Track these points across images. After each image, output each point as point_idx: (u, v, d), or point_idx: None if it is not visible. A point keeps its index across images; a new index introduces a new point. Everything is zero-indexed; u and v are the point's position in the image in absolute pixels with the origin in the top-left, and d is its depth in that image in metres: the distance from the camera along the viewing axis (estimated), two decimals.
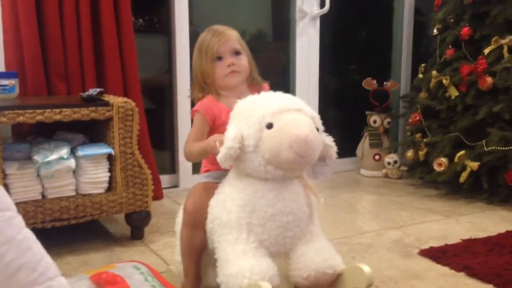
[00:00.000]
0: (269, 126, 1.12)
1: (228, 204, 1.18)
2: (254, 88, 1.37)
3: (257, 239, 1.16)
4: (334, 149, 1.23)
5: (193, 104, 1.36)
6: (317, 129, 1.16)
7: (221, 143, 1.14)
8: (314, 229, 1.25)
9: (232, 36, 1.33)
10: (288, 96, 1.21)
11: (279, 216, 1.17)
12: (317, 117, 1.19)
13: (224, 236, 1.17)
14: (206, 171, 1.37)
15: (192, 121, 1.36)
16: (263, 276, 1.09)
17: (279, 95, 1.21)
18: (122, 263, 1.16)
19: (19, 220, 0.61)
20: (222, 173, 1.31)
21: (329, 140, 1.23)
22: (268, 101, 1.17)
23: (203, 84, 1.33)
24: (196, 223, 1.26)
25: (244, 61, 1.33)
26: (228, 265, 1.14)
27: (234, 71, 1.31)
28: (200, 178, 1.37)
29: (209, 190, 1.28)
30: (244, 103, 1.21)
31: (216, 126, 1.30)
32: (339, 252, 1.26)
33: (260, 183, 1.17)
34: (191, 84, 1.39)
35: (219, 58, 1.31)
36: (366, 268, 1.17)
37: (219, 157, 1.13)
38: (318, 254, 1.20)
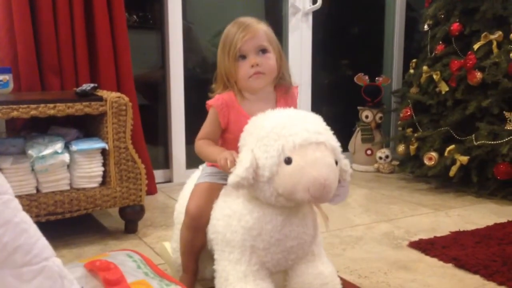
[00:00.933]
0: (288, 161, 1.05)
1: (234, 223, 1.15)
2: (282, 90, 1.27)
3: (259, 261, 1.15)
4: (348, 172, 1.17)
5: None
6: (336, 163, 1.09)
7: (233, 163, 1.09)
8: (316, 249, 1.24)
9: (259, 31, 1.20)
10: (309, 120, 1.11)
11: (284, 241, 1.14)
12: (338, 149, 1.11)
13: (225, 254, 1.16)
14: (212, 165, 1.29)
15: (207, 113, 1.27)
16: None
17: (300, 118, 1.11)
18: (115, 251, 1.18)
19: (16, 203, 0.64)
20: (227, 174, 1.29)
21: (345, 164, 1.16)
22: (290, 131, 1.07)
23: (226, 82, 1.23)
24: (198, 227, 1.24)
25: (271, 60, 1.21)
26: (227, 285, 1.13)
27: (259, 72, 1.19)
28: (203, 176, 1.30)
29: (214, 192, 1.23)
30: (260, 124, 1.12)
31: (230, 130, 1.23)
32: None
33: (269, 207, 1.13)
34: (214, 79, 1.29)
35: (243, 57, 1.19)
36: None
37: (229, 182, 1.08)
38: (316, 278, 1.19)
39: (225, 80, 1.23)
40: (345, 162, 1.16)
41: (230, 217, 1.16)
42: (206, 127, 1.25)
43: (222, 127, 1.24)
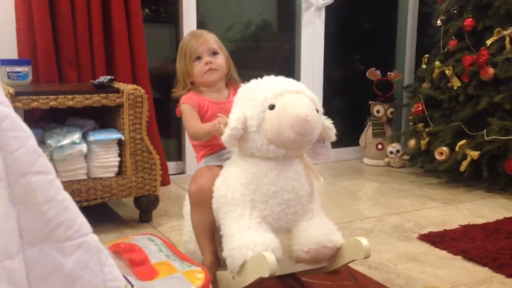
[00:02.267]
0: (271, 107, 1.19)
1: (233, 183, 1.25)
2: (232, 87, 1.48)
3: (260, 215, 1.23)
4: (333, 131, 1.31)
5: (175, 105, 1.48)
6: (317, 111, 1.23)
7: (225, 124, 1.22)
8: (315, 207, 1.32)
9: (210, 38, 1.45)
10: (289, 79, 1.29)
11: (281, 193, 1.24)
12: (316, 99, 1.27)
13: (229, 213, 1.24)
14: (202, 155, 1.46)
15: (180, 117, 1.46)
16: (266, 247, 1.15)
17: (281, 78, 1.29)
18: (137, 235, 1.22)
19: (58, 182, 0.68)
20: (220, 154, 1.40)
21: (328, 122, 1.30)
22: (270, 84, 1.25)
23: (184, 84, 1.46)
24: (202, 202, 1.32)
25: (221, 60, 1.44)
26: (232, 239, 1.20)
27: (212, 68, 1.42)
28: (201, 163, 1.44)
29: (212, 171, 1.35)
30: (248, 87, 1.29)
31: (201, 114, 1.41)
32: (335, 225, 1.32)
33: (263, 162, 1.24)
34: (175, 84, 1.51)
35: (198, 58, 1.42)
36: (364, 241, 1.24)
37: (223, 138, 1.20)
38: (318, 230, 1.27)
39: (183, 82, 1.46)
40: (328, 120, 1.31)
41: (229, 179, 1.27)
42: (190, 118, 1.40)
43: (199, 114, 1.41)
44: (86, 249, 0.69)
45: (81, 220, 0.71)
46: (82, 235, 0.69)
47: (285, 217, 1.26)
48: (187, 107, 1.42)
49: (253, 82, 1.30)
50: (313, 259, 1.27)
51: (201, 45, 1.42)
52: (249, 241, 1.16)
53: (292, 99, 1.20)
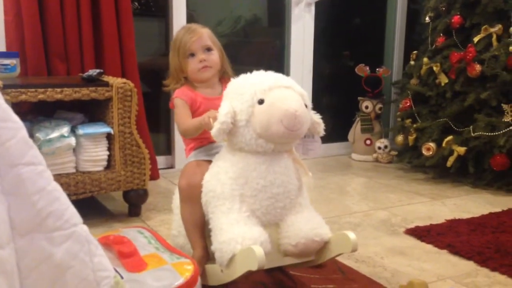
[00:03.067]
0: (261, 102, 1.20)
1: (222, 177, 1.26)
2: (226, 81, 1.46)
3: (249, 209, 1.24)
4: (321, 125, 1.32)
5: (167, 98, 1.47)
6: (306, 106, 1.24)
7: (215, 118, 1.22)
8: (303, 201, 1.33)
9: (204, 34, 1.44)
10: (278, 74, 1.30)
11: (269, 187, 1.25)
12: (305, 94, 1.28)
13: (218, 207, 1.25)
14: (191, 148, 1.46)
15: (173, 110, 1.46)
16: (255, 241, 1.16)
17: (270, 73, 1.30)
18: (126, 228, 1.23)
19: (49, 173, 0.69)
20: (209, 148, 1.41)
21: (317, 117, 1.31)
22: (260, 79, 1.25)
23: (178, 79, 1.46)
24: (192, 198, 1.33)
25: (215, 56, 1.44)
26: (221, 233, 1.21)
27: (206, 66, 1.42)
28: (190, 157, 1.44)
29: (201, 166, 1.36)
30: (237, 81, 1.30)
31: (193, 110, 1.41)
32: (323, 220, 1.34)
33: (252, 156, 1.25)
34: (167, 77, 1.51)
35: (192, 55, 1.42)
36: (351, 235, 1.25)
37: (213, 132, 1.21)
38: (306, 224, 1.28)
39: (176, 77, 1.46)
40: (317, 115, 1.32)
41: (218, 173, 1.27)
42: (181, 114, 1.41)
43: (190, 109, 1.41)
44: (76, 239, 0.69)
45: (71, 211, 0.71)
46: (72, 225, 0.69)
47: (273, 211, 1.27)
48: (180, 102, 1.42)
49: (243, 76, 1.31)
50: (301, 253, 1.29)
51: (195, 42, 1.41)
52: (238, 234, 1.17)
53: (281, 94, 1.21)
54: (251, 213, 1.24)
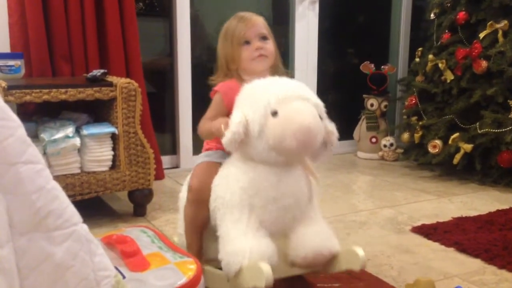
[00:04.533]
0: (274, 113, 1.14)
1: (232, 185, 1.22)
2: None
3: (258, 220, 1.20)
4: (335, 135, 1.25)
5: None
6: (320, 118, 1.18)
7: (227, 126, 1.17)
8: (314, 213, 1.29)
9: (259, 21, 1.35)
10: (294, 82, 1.23)
11: (280, 199, 1.20)
12: (321, 105, 1.21)
13: (227, 216, 1.22)
14: (208, 149, 1.40)
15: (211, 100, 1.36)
16: (262, 256, 1.14)
17: (285, 81, 1.23)
18: (129, 227, 1.23)
19: (47, 172, 0.68)
20: (222, 153, 1.35)
21: (331, 126, 1.25)
22: (274, 88, 1.18)
23: (227, 71, 1.35)
24: (200, 201, 1.30)
25: (271, 46, 1.34)
26: (229, 243, 1.18)
27: (262, 55, 1.31)
28: (201, 157, 1.40)
29: (213, 169, 1.31)
30: (251, 87, 1.23)
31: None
32: (335, 233, 1.30)
33: (264, 167, 1.20)
34: (214, 71, 1.40)
35: (247, 43, 1.32)
36: (360, 252, 1.22)
37: (224, 141, 1.17)
38: (316, 236, 1.25)
39: (225, 69, 1.35)
40: (331, 125, 1.25)
41: (228, 177, 1.24)
42: (210, 111, 1.34)
43: (227, 109, 1.30)
44: (76, 238, 0.69)
45: (71, 210, 0.71)
46: (72, 224, 0.69)
47: (283, 222, 1.24)
48: (217, 99, 1.32)
49: (256, 82, 1.23)
50: (309, 265, 1.26)
51: (251, 29, 1.31)
52: (246, 247, 1.15)
53: (296, 106, 1.15)
54: (260, 224, 1.21)
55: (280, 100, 1.15)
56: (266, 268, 1.09)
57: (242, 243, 1.17)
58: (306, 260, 1.24)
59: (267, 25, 1.36)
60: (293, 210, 1.24)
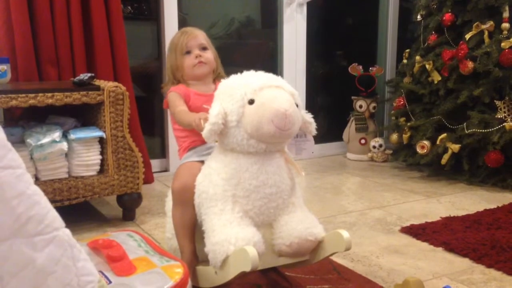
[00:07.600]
0: (251, 102, 1.20)
1: (214, 178, 1.25)
2: (219, 82, 1.46)
3: (242, 209, 1.23)
4: (313, 125, 1.32)
5: (161, 101, 1.53)
6: (297, 105, 1.23)
7: (206, 120, 1.22)
8: (297, 200, 1.32)
9: (199, 34, 1.51)
10: (268, 74, 1.29)
11: (262, 188, 1.24)
12: (296, 93, 1.27)
13: (210, 209, 1.24)
14: (185, 149, 1.47)
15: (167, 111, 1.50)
16: (248, 242, 1.16)
17: (260, 73, 1.29)
18: (116, 232, 1.22)
19: (28, 176, 0.68)
20: (202, 148, 1.41)
21: (308, 116, 1.31)
22: (250, 79, 1.25)
23: (173, 80, 1.50)
24: (185, 201, 1.32)
25: (210, 55, 1.49)
26: (214, 234, 1.20)
27: (201, 62, 1.47)
28: (184, 158, 1.44)
29: (194, 168, 1.35)
30: (228, 82, 1.29)
31: (188, 106, 1.43)
32: (316, 219, 1.33)
33: (244, 157, 1.24)
34: (165, 82, 1.55)
35: (188, 52, 1.47)
36: (345, 233, 1.25)
37: (204, 133, 1.21)
38: (300, 223, 1.27)
39: (172, 77, 1.50)
40: (308, 115, 1.32)
41: (210, 174, 1.27)
42: (177, 104, 1.42)
43: (185, 101, 1.43)
44: (58, 243, 0.68)
45: (52, 215, 0.70)
46: (54, 229, 0.68)
47: (266, 211, 1.27)
48: (174, 95, 1.44)
49: (233, 77, 1.31)
50: (295, 253, 1.28)
51: (191, 40, 1.47)
52: (231, 235, 1.17)
53: (272, 93, 1.21)
54: (244, 213, 1.24)
55: (256, 90, 1.21)
56: (251, 251, 1.11)
57: (227, 231, 1.18)
58: (291, 247, 1.26)
59: (207, 37, 1.54)
60: (276, 199, 1.26)
